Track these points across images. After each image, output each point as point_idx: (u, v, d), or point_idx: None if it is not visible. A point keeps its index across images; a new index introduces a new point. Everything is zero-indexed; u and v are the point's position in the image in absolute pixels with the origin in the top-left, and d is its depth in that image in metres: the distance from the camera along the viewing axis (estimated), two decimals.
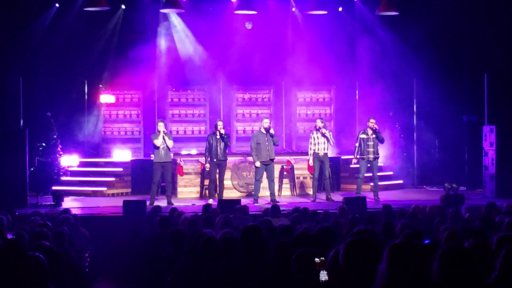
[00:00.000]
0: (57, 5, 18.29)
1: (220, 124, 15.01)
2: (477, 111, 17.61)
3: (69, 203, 14.79)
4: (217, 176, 15.07)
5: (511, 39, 17.27)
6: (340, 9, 19.18)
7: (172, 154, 15.58)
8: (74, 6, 18.03)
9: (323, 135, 15.21)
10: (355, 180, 15.89)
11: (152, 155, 15.60)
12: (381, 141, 15.48)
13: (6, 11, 17.24)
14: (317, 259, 4.62)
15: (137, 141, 19.43)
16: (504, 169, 15.84)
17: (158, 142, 14.85)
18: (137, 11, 18.82)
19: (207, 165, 15.05)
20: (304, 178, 16.73)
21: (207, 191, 15.74)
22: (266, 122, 15.05)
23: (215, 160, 14.87)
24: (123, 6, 18.96)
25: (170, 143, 14.90)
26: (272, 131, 14.93)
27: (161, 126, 15.00)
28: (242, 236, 6.01)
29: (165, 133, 14.99)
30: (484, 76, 16.70)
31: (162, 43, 18.96)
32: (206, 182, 15.73)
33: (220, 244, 6.54)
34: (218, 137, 14.84)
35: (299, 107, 20.06)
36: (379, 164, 16.16)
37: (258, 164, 14.85)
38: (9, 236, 7.79)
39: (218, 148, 14.84)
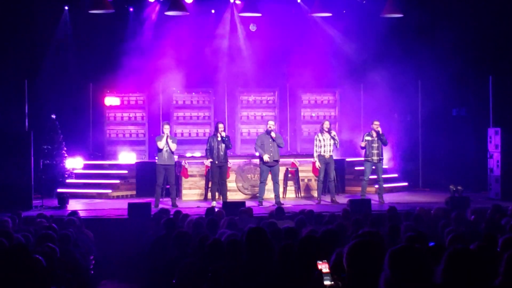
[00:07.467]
0: (66, 7, 18.32)
1: (221, 126, 14.92)
2: (482, 113, 17.53)
3: (74, 206, 14.79)
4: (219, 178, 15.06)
5: None
6: (344, 11, 19.15)
7: (176, 157, 15.56)
8: (79, 9, 18.02)
9: (333, 137, 15.17)
10: (360, 182, 15.84)
11: (156, 157, 15.60)
12: (385, 143, 15.43)
13: (11, 14, 17.26)
14: (319, 262, 4.58)
15: (142, 143, 19.45)
16: (509, 171, 15.76)
17: (161, 144, 14.83)
18: (142, 13, 18.85)
19: (208, 161, 15.02)
20: (308, 180, 16.71)
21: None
22: (269, 125, 15.02)
23: (216, 162, 14.83)
24: (131, 9, 18.97)
25: (173, 146, 14.87)
26: (273, 134, 14.78)
27: (166, 129, 14.98)
28: (246, 238, 5.99)
29: (169, 137, 14.96)
30: (489, 78, 16.65)
31: (167, 45, 18.93)
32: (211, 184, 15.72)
33: (225, 246, 6.53)
34: (219, 139, 14.82)
35: (304, 109, 20.08)
36: (384, 166, 16.13)
37: (266, 158, 14.77)
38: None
39: (220, 150, 14.81)
